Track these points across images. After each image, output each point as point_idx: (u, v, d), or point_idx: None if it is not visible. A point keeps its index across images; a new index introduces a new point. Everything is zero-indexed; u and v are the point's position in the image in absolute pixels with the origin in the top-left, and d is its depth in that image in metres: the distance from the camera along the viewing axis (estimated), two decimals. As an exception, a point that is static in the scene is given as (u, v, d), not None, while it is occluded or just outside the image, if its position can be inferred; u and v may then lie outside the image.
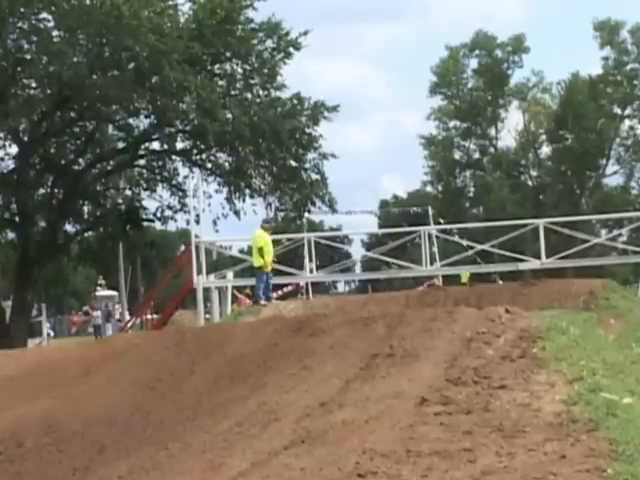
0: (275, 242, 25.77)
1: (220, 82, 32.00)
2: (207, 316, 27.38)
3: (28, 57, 30.80)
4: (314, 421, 7.13)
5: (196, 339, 12.82)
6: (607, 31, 61.78)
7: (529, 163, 66.49)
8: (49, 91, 31.37)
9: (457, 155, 67.13)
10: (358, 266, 47.39)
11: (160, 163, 34.42)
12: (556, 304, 17.44)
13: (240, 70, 31.98)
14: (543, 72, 65.15)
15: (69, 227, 34.94)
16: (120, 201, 35.34)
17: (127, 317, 39.76)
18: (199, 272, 26.05)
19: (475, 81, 65.79)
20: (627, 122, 63.48)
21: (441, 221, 41.11)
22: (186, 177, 32.59)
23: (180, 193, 33.62)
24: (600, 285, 22.24)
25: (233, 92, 31.95)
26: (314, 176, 32.54)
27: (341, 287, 71.77)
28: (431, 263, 28.51)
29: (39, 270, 33.28)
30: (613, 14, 67.14)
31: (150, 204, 35.03)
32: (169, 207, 34.25)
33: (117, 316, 47.86)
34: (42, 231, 33.28)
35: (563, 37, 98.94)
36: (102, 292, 54.14)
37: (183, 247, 39.68)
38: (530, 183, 66.34)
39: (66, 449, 9.09)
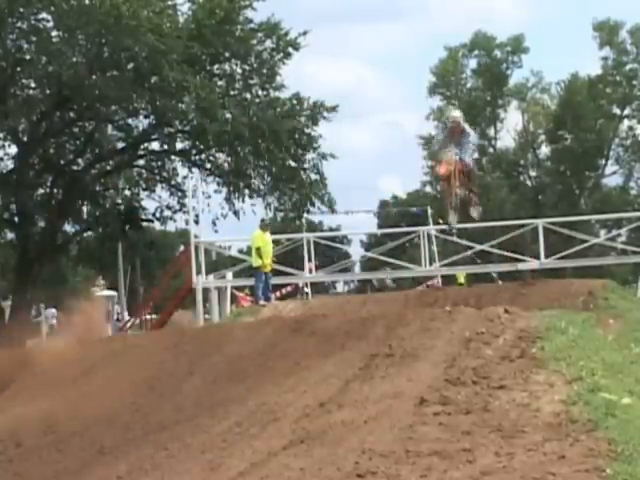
0: (274, 242, 25.78)
1: (219, 82, 32.01)
2: (206, 316, 27.39)
3: (27, 57, 30.79)
4: (313, 421, 7.13)
5: (195, 339, 12.83)
6: (606, 31, 61.72)
7: (528, 163, 66.44)
8: (48, 91, 31.36)
9: (456, 155, 67.09)
10: (357, 266, 47.40)
11: (159, 163, 34.44)
12: (555, 304, 17.44)
13: (239, 70, 31.99)
14: (542, 72, 65.11)
15: (68, 227, 34.96)
16: (119, 201, 35.33)
17: (126, 317, 39.74)
18: (198, 272, 26.06)
19: (474, 81, 65.73)
20: (626, 122, 63.43)
21: (440, 221, 41.07)
22: (185, 177, 32.62)
23: (179, 193, 33.64)
24: (599, 285, 22.23)
25: (232, 92, 31.95)
26: (313, 176, 32.54)
27: (340, 287, 71.67)
28: (430, 263, 28.53)
29: (38, 270, 33.28)
30: (612, 14, 67.06)
31: (149, 204, 35.06)
32: (168, 207, 34.26)
33: (116, 316, 47.82)
34: (41, 231, 33.27)
35: (562, 37, 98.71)
36: (101, 292, 54.08)
37: (182, 247, 39.67)
38: (529, 183, 66.31)
39: (65, 449, 9.09)
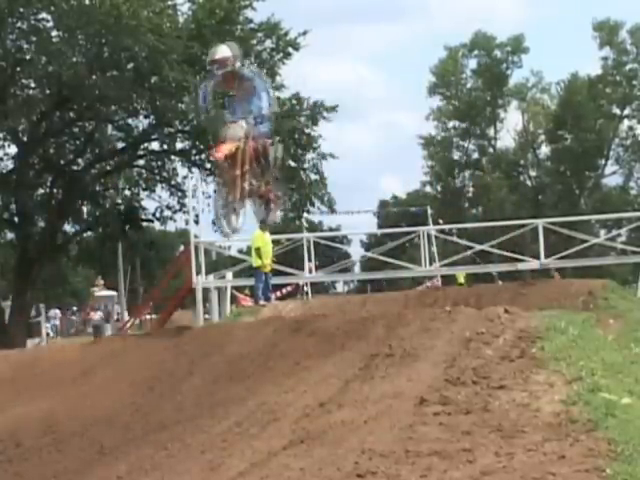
0: (274, 242, 25.76)
1: (219, 82, 32.02)
2: (206, 316, 27.37)
3: (27, 57, 30.80)
4: (313, 421, 7.13)
5: (195, 339, 12.82)
6: (606, 31, 61.79)
7: (528, 163, 66.49)
8: (48, 91, 31.37)
9: (456, 155, 67.16)
10: (357, 266, 47.41)
11: (159, 163, 34.44)
12: (555, 304, 17.44)
13: (239, 70, 32.00)
14: (542, 72, 65.22)
15: (68, 227, 34.99)
16: (119, 201, 35.34)
17: (126, 317, 39.75)
18: (198, 272, 26.04)
19: (474, 81, 65.79)
20: (626, 122, 63.52)
21: (440, 221, 41.12)
22: (185, 177, 32.63)
23: (179, 193, 33.66)
24: (599, 285, 22.24)
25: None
26: (313, 176, 32.56)
27: (340, 287, 71.72)
28: (430, 263, 28.51)
29: (38, 270, 33.28)
30: (612, 14, 67.14)
31: (149, 204, 35.07)
32: (168, 207, 34.28)
33: (116, 316, 47.84)
34: (41, 231, 33.28)
35: (562, 37, 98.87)
36: (101, 292, 54.16)
37: (182, 247, 39.64)
38: (529, 183, 66.36)
39: (65, 449, 9.08)
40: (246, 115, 12.22)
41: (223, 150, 12.23)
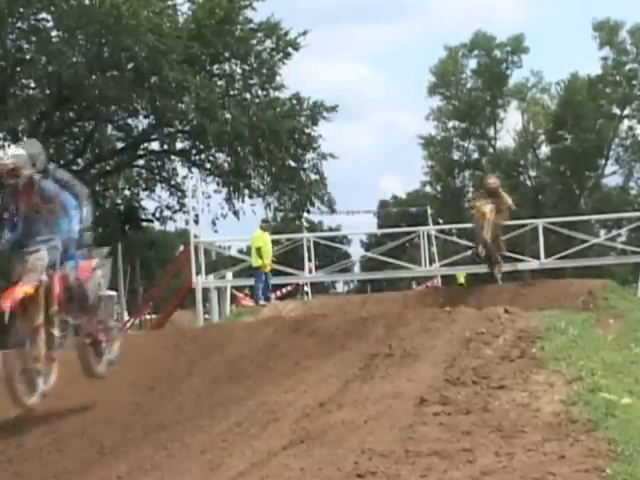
0: (274, 242, 25.80)
1: (219, 82, 32.07)
2: (206, 316, 27.39)
3: (27, 57, 30.84)
4: (313, 421, 7.12)
5: (195, 339, 12.82)
6: (606, 31, 61.77)
7: (528, 163, 66.46)
8: (48, 91, 31.41)
9: (456, 155, 67.11)
10: (357, 266, 47.40)
11: (159, 163, 34.48)
12: (555, 304, 17.45)
13: (239, 70, 32.06)
14: (542, 72, 65.18)
15: (68, 227, 35.00)
16: (119, 201, 35.37)
17: (126, 317, 39.75)
18: (198, 272, 26.06)
19: (474, 81, 65.75)
20: (626, 122, 63.47)
21: (440, 221, 41.14)
22: (185, 177, 32.69)
23: (179, 193, 33.71)
24: (599, 285, 22.24)
25: (232, 92, 32.00)
26: (313, 176, 32.61)
27: (340, 287, 71.68)
28: (430, 263, 28.53)
29: (38, 270, 33.28)
30: (612, 14, 67.12)
31: (149, 204, 35.11)
32: (168, 207, 34.34)
33: (115, 316, 47.76)
34: (41, 231, 33.30)
35: (562, 37, 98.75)
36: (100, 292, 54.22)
37: (182, 247, 39.66)
38: (529, 183, 66.33)
39: (65, 449, 9.06)
40: (51, 238, 9.07)
41: (16, 295, 8.47)
